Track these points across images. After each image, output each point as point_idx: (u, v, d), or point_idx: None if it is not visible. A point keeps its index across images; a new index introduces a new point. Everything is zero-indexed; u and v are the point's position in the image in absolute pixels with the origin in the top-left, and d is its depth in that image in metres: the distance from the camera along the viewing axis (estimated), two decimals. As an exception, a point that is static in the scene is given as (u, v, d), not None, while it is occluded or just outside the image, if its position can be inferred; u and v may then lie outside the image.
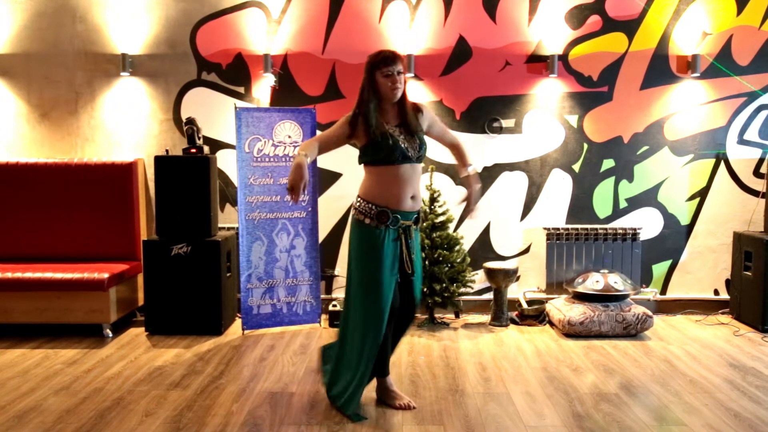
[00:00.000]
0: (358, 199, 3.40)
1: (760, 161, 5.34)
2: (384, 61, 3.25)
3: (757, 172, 5.35)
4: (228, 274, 5.01)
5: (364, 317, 3.33)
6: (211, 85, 5.34)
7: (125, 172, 5.17)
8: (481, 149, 5.33)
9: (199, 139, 4.96)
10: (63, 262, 5.00)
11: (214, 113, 5.33)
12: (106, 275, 4.69)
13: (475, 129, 5.33)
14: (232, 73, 5.33)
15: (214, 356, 4.37)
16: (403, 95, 3.33)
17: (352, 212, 3.44)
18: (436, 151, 5.34)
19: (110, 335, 4.80)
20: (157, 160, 4.89)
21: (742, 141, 5.33)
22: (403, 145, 3.27)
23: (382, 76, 3.25)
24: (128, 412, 3.43)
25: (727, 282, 5.41)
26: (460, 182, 5.35)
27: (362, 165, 3.41)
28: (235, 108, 4.85)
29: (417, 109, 3.42)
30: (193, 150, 4.92)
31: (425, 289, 4.95)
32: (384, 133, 3.26)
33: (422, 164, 3.44)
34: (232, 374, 4.02)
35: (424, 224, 4.98)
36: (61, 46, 5.30)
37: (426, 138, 3.42)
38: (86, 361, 4.26)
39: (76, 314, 4.73)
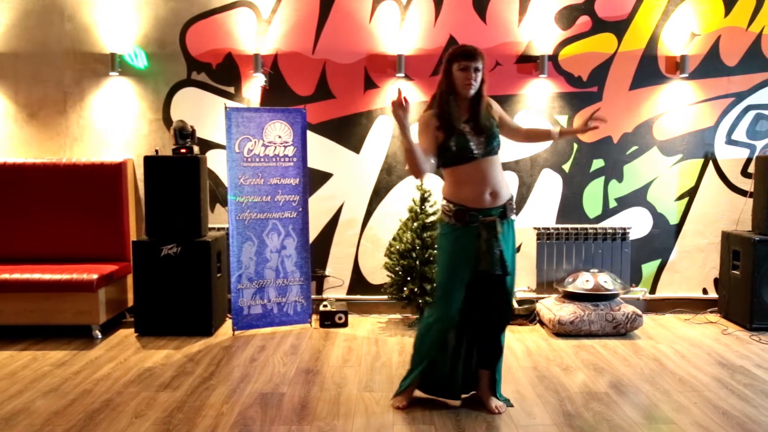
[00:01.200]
0: (443, 199, 3.37)
1: (748, 161, 5.38)
2: (462, 54, 3.21)
3: (744, 172, 5.39)
4: (218, 275, 5.00)
5: (438, 313, 3.37)
6: (201, 84, 5.32)
7: (114, 172, 5.15)
8: (472, 149, 5.33)
9: (189, 138, 4.94)
10: (51, 263, 4.97)
11: (204, 113, 5.31)
12: (95, 276, 4.66)
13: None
14: (222, 73, 5.31)
15: (205, 357, 4.35)
16: (480, 95, 3.28)
17: (439, 213, 3.47)
18: (426, 151, 5.34)
19: (99, 336, 4.77)
20: (147, 160, 4.86)
21: (730, 141, 5.37)
22: (470, 144, 3.23)
23: (459, 69, 3.21)
24: (117, 414, 3.41)
25: (716, 281, 5.45)
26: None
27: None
28: (225, 108, 4.83)
29: (488, 105, 3.39)
30: (183, 150, 4.90)
31: (415, 289, 4.95)
32: (457, 133, 3.22)
33: (497, 155, 3.33)
34: (222, 375, 4.01)
35: (415, 225, 4.98)
36: (49, 45, 5.27)
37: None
38: (75, 363, 4.23)
39: (64, 315, 4.70)
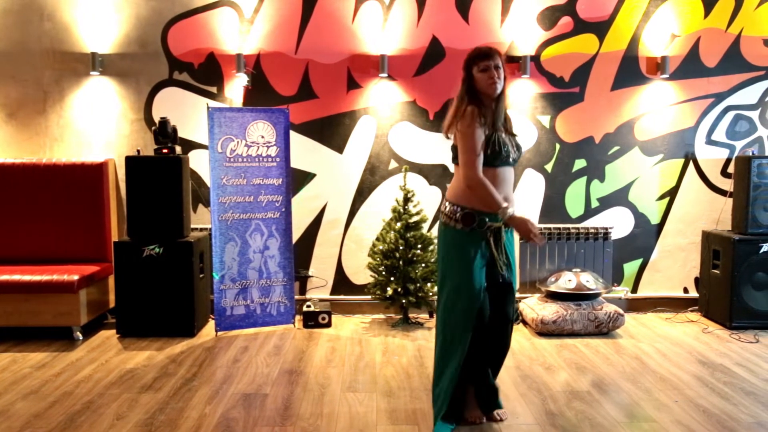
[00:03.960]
0: (446, 203, 3.20)
1: (728, 161, 5.44)
2: (480, 56, 3.14)
3: (724, 172, 5.45)
4: (201, 275, 4.97)
5: (453, 323, 3.17)
6: (183, 84, 5.29)
7: (95, 172, 5.10)
8: (455, 149, 5.35)
9: (170, 138, 4.91)
10: (31, 264, 4.91)
11: (186, 113, 5.28)
12: (75, 277, 4.62)
13: (449, 129, 5.34)
14: (205, 73, 5.29)
15: (187, 358, 4.32)
16: (503, 95, 3.17)
17: (440, 218, 3.26)
18: (410, 151, 5.36)
19: (80, 338, 4.73)
20: (128, 160, 4.83)
21: (710, 141, 5.43)
22: (510, 147, 3.15)
23: (479, 71, 3.12)
24: (99, 416, 3.38)
25: (696, 280, 5.50)
26: (433, 182, 5.38)
27: (454, 166, 3.23)
28: (208, 108, 4.81)
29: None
30: (165, 150, 4.87)
31: (399, 289, 4.95)
32: (495, 134, 3.11)
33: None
34: (205, 376, 3.98)
35: (398, 225, 4.99)
36: (28, 44, 5.21)
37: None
38: (56, 365, 4.19)
39: (44, 317, 4.65)
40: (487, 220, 3.11)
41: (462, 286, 3.14)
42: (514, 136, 3.26)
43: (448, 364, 3.17)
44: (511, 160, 3.17)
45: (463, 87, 3.19)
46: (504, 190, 3.14)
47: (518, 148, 3.25)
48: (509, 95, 3.31)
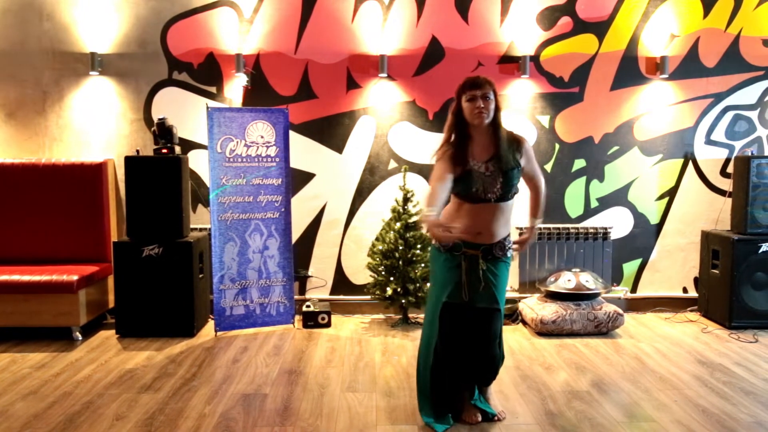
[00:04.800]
0: None
1: (727, 161, 5.44)
2: (466, 85, 3.10)
3: (723, 172, 5.45)
4: (200, 276, 4.97)
5: (427, 336, 3.29)
6: (182, 84, 5.29)
7: (95, 172, 5.10)
8: (454, 149, 5.35)
9: (170, 138, 4.90)
10: (31, 264, 4.91)
11: (185, 113, 5.28)
12: (75, 277, 4.62)
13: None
14: (204, 73, 5.28)
15: (187, 358, 4.32)
16: (497, 125, 3.13)
17: None
18: (409, 151, 5.36)
19: (80, 338, 4.73)
20: (128, 160, 4.82)
21: (709, 141, 5.43)
22: (480, 187, 3.10)
23: (466, 100, 3.09)
24: (98, 416, 3.38)
25: (696, 280, 5.51)
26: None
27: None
28: (207, 108, 4.81)
29: (516, 141, 3.21)
30: (165, 150, 4.87)
31: (398, 289, 4.95)
32: (467, 171, 3.09)
33: (508, 202, 3.18)
34: (204, 376, 3.98)
35: (398, 225, 4.99)
36: (28, 44, 5.21)
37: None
38: (55, 365, 4.19)
39: (44, 317, 4.65)
40: (462, 246, 3.16)
41: (431, 298, 3.30)
42: (509, 170, 3.11)
43: (420, 363, 3.33)
44: (487, 197, 3.11)
45: (451, 116, 3.18)
46: (472, 222, 3.12)
47: (507, 186, 3.12)
48: (503, 124, 3.19)
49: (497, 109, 3.14)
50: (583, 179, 5.44)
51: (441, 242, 3.16)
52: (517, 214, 3.46)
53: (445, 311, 3.21)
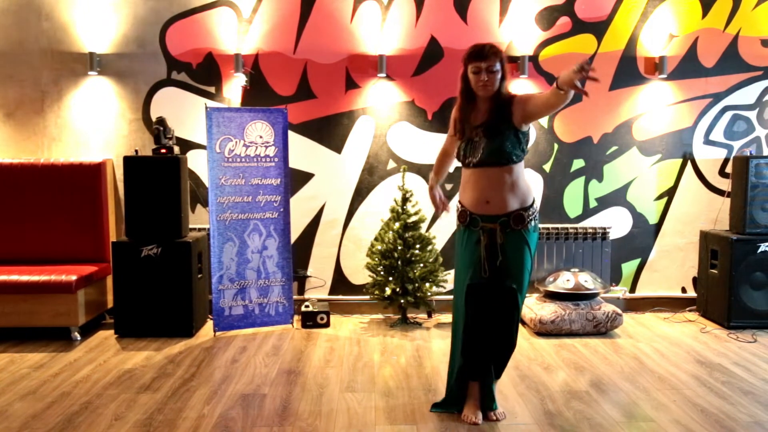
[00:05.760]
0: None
1: (725, 161, 5.44)
2: (472, 55, 3.06)
3: (722, 172, 5.46)
4: (199, 276, 4.96)
5: (455, 323, 3.36)
6: (181, 84, 5.28)
7: (94, 172, 5.10)
8: (453, 149, 5.35)
9: (169, 139, 4.90)
10: (29, 264, 4.91)
11: (184, 113, 5.28)
12: (74, 277, 4.61)
13: (447, 129, 5.33)
14: (203, 73, 5.28)
15: (185, 358, 4.32)
16: (500, 92, 3.09)
17: None
18: (408, 151, 5.36)
19: (78, 338, 4.72)
20: (127, 160, 4.82)
21: (708, 141, 5.43)
22: (462, 152, 3.19)
23: (471, 72, 3.08)
24: (97, 416, 3.38)
25: (694, 280, 5.51)
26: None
27: None
28: (206, 108, 4.81)
29: (508, 102, 3.12)
30: (163, 150, 4.87)
31: (397, 289, 4.95)
32: (467, 138, 3.17)
33: (505, 168, 3.12)
34: (203, 376, 3.98)
35: (397, 225, 4.98)
36: (27, 44, 5.20)
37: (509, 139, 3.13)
38: (53, 365, 4.18)
39: (42, 317, 4.64)
40: (479, 220, 3.16)
41: (457, 283, 3.34)
42: (500, 131, 3.07)
43: (454, 344, 3.39)
44: (467, 161, 3.18)
45: (460, 82, 3.20)
46: (477, 191, 3.17)
47: (489, 149, 3.08)
48: (510, 91, 3.17)
49: (503, 79, 3.10)
50: (582, 179, 5.44)
51: (437, 206, 3.43)
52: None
53: (470, 294, 3.21)
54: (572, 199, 5.45)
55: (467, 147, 3.19)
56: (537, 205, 3.27)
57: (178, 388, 3.78)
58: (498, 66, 3.07)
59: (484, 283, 3.19)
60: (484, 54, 3.04)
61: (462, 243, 3.28)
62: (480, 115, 3.18)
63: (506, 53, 5.28)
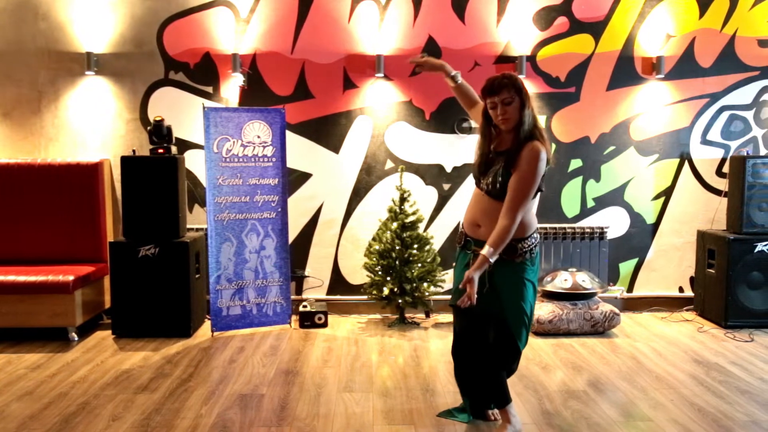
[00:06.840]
0: None
1: (722, 161, 5.45)
2: (485, 91, 2.97)
3: (719, 172, 5.47)
4: (197, 276, 4.96)
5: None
6: (178, 84, 5.28)
7: (91, 172, 5.09)
8: (451, 149, 5.36)
9: (166, 138, 4.89)
10: (26, 265, 4.90)
11: (181, 113, 5.27)
12: (71, 277, 4.61)
13: (445, 129, 5.35)
14: (200, 73, 5.28)
15: (183, 359, 4.32)
16: (522, 121, 2.93)
17: None
18: (406, 151, 5.36)
19: (76, 339, 4.71)
20: (124, 160, 4.81)
21: (705, 141, 5.44)
22: (477, 171, 3.08)
23: (489, 108, 2.98)
24: (94, 417, 3.37)
25: (692, 279, 5.52)
26: (429, 183, 5.38)
27: None
28: (204, 108, 4.80)
29: (525, 147, 2.97)
30: (161, 150, 4.86)
31: (395, 289, 4.95)
32: (482, 153, 3.06)
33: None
34: (201, 376, 3.98)
35: (394, 225, 4.98)
36: (23, 44, 5.19)
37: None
38: (51, 366, 4.18)
39: (40, 318, 4.63)
40: (472, 243, 3.11)
41: (452, 302, 3.27)
42: (507, 171, 2.97)
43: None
44: (480, 184, 3.07)
45: (481, 118, 3.08)
46: (473, 212, 3.11)
47: (495, 182, 2.98)
48: (533, 122, 3.01)
49: (523, 107, 2.94)
50: (580, 179, 5.44)
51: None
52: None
53: (455, 315, 3.26)
54: (570, 199, 5.46)
55: (485, 165, 3.05)
56: (536, 238, 3.11)
57: (176, 388, 3.78)
58: (513, 96, 2.92)
59: (468, 308, 3.01)
60: (494, 89, 2.93)
61: (457, 263, 3.28)
62: (503, 143, 3.04)
63: (504, 53, 5.28)
